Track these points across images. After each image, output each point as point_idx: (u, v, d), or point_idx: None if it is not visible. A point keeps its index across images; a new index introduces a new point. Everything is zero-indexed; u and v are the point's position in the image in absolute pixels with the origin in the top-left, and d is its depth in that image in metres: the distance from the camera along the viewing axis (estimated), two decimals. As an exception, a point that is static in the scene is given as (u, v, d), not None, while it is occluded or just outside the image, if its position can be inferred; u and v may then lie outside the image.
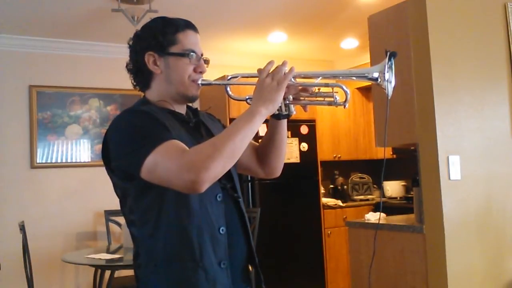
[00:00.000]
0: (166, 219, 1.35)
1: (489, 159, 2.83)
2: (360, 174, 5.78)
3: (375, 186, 5.81)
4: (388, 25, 2.98)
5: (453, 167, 2.65)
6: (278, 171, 1.62)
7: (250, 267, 1.53)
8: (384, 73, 1.36)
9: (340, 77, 1.47)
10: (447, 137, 2.67)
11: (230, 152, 1.24)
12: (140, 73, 1.47)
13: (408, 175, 5.05)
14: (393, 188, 5.36)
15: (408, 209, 3.77)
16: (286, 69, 1.37)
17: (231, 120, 4.52)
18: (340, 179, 5.64)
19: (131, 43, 1.49)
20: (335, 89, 1.42)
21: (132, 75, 1.50)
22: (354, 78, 1.45)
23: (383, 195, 5.75)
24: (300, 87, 1.45)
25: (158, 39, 1.43)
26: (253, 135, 1.31)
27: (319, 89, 1.44)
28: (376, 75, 1.37)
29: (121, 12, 3.60)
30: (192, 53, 1.44)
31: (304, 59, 5.72)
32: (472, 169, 2.74)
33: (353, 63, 5.81)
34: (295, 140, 4.84)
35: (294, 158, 4.83)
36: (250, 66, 5.80)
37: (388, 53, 1.35)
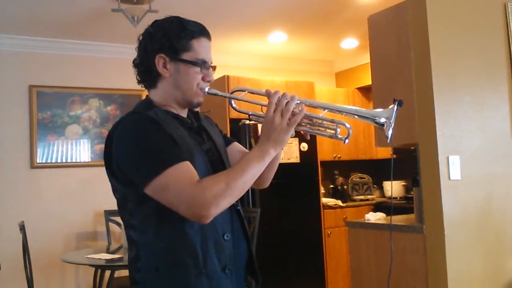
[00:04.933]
0: (169, 225, 1.34)
1: (489, 159, 2.83)
2: (360, 174, 5.78)
3: (375, 186, 5.81)
4: (388, 25, 2.98)
5: (453, 167, 2.66)
6: (267, 183, 1.63)
7: (249, 271, 1.54)
8: (391, 120, 1.37)
9: (344, 113, 1.44)
10: (447, 137, 2.68)
11: (240, 190, 1.31)
12: (147, 72, 1.46)
13: (408, 175, 5.05)
14: (393, 188, 5.35)
15: (408, 209, 3.77)
16: (296, 101, 1.36)
17: (231, 121, 4.52)
18: (340, 179, 5.63)
19: (141, 38, 1.47)
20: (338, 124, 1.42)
21: (137, 71, 1.49)
22: (357, 117, 1.42)
23: (383, 194, 5.76)
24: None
25: (171, 42, 1.42)
26: (261, 172, 1.36)
27: (321, 120, 1.43)
28: (383, 120, 1.37)
29: (121, 12, 3.60)
30: (203, 63, 1.44)
31: (304, 59, 5.72)
32: (472, 169, 2.74)
33: (353, 63, 5.82)
34: (295, 140, 4.84)
35: (294, 158, 4.83)
36: (250, 66, 5.84)
37: (397, 102, 1.37)
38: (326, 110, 1.42)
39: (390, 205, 5.01)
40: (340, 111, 1.44)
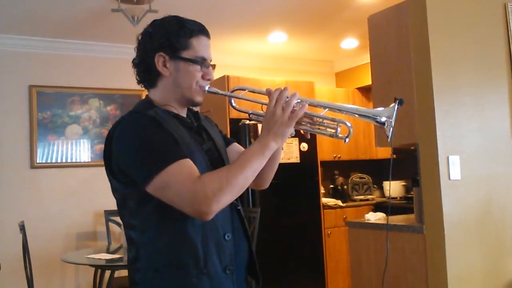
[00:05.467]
0: (170, 226, 1.34)
1: (489, 159, 2.83)
2: (360, 174, 5.78)
3: (375, 186, 5.81)
4: (388, 25, 2.98)
5: (453, 167, 2.66)
6: (267, 183, 1.62)
7: (250, 271, 1.53)
8: (392, 120, 1.37)
9: (344, 112, 1.44)
10: (447, 137, 2.67)
11: (241, 185, 1.29)
12: (147, 71, 1.46)
13: (408, 175, 5.05)
14: (393, 188, 5.36)
15: (408, 209, 3.77)
16: (297, 98, 1.36)
17: (231, 121, 4.52)
18: (340, 179, 5.63)
19: (140, 38, 1.48)
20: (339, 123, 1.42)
21: (137, 71, 1.49)
22: (357, 116, 1.41)
23: (383, 194, 5.76)
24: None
25: (171, 41, 1.42)
26: (262, 166, 1.34)
27: (322, 119, 1.43)
28: (384, 119, 1.37)
29: (121, 12, 3.60)
30: (203, 61, 1.44)
31: (304, 59, 5.72)
32: (472, 169, 2.74)
33: (353, 63, 5.82)
34: (295, 140, 4.84)
35: (294, 158, 4.83)
36: (250, 66, 5.84)
37: (398, 101, 1.36)
38: (327, 109, 1.42)
39: (391, 205, 5.03)
40: (340, 110, 1.43)
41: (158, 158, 1.27)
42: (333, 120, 1.42)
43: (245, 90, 1.50)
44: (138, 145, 1.31)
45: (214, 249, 1.37)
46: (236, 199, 1.48)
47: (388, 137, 1.38)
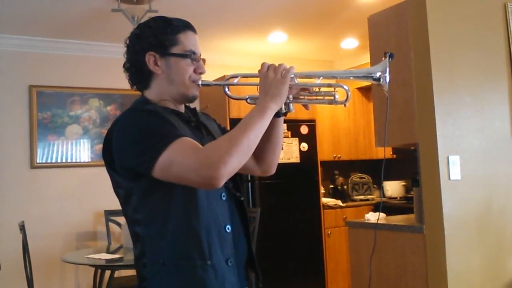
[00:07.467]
0: (174, 218, 1.35)
1: (489, 159, 2.83)
2: (360, 174, 5.78)
3: (375, 186, 5.81)
4: (388, 25, 2.98)
5: (453, 167, 2.66)
6: (273, 168, 1.63)
7: (249, 266, 1.54)
8: (386, 74, 1.39)
9: (338, 77, 1.48)
10: (447, 137, 2.68)
11: (246, 147, 1.27)
12: (140, 72, 1.46)
13: (408, 175, 5.05)
14: (393, 188, 5.36)
15: (408, 209, 3.77)
16: (286, 66, 1.41)
17: (231, 120, 4.52)
18: (340, 179, 5.64)
19: (128, 42, 1.49)
20: (336, 88, 1.44)
21: (129, 74, 1.49)
22: (352, 78, 1.48)
23: (383, 195, 5.76)
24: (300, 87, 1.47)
25: (159, 39, 1.43)
26: (265, 130, 1.34)
27: (319, 88, 1.46)
28: (378, 75, 1.40)
29: (121, 12, 3.60)
30: (193, 54, 1.46)
31: (304, 59, 5.72)
32: (472, 169, 2.74)
33: (353, 63, 5.81)
34: (295, 140, 4.83)
35: (294, 158, 4.82)
36: (250, 66, 5.81)
37: (388, 54, 1.39)
38: (321, 78, 1.44)
39: (391, 205, 5.04)
40: (335, 77, 1.48)
41: (157, 140, 1.28)
42: (329, 85, 1.44)
43: (238, 76, 1.52)
44: (137, 136, 1.32)
45: (216, 240, 1.38)
46: (239, 191, 1.49)
47: (386, 92, 1.40)
